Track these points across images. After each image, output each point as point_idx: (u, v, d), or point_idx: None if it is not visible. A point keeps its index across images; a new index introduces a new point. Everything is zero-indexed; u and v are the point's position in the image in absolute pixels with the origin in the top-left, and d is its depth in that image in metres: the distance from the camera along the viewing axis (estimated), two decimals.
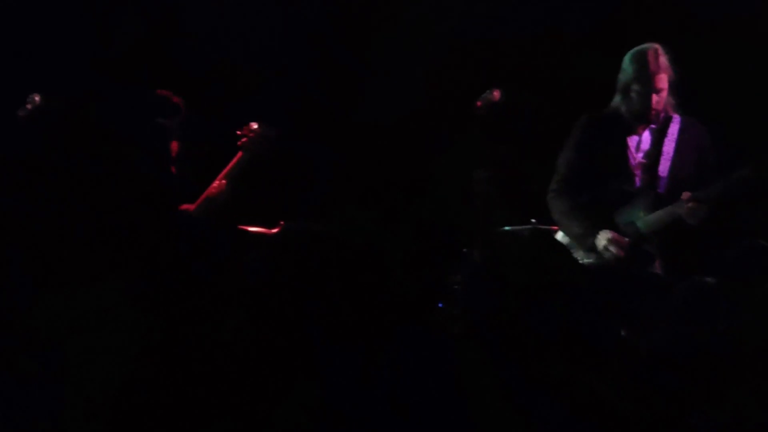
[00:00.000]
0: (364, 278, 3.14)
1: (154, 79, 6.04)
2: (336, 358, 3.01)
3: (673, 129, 5.53)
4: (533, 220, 6.07)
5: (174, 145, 5.71)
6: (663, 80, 5.39)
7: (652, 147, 5.53)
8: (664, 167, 5.51)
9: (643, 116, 5.45)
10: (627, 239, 5.41)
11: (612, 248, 5.36)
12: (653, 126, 5.53)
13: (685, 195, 5.29)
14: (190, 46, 6.29)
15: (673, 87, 5.46)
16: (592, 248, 5.43)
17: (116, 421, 2.86)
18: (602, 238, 5.42)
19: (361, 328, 3.11)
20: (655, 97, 5.39)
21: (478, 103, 5.68)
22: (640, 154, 5.54)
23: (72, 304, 2.95)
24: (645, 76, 5.37)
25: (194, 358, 2.97)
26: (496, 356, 2.90)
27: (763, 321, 2.96)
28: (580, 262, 5.58)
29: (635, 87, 5.40)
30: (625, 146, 5.52)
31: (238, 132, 6.02)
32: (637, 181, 5.51)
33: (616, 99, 5.56)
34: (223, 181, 5.87)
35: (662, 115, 5.51)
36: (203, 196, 5.98)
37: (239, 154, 6.03)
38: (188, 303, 3.13)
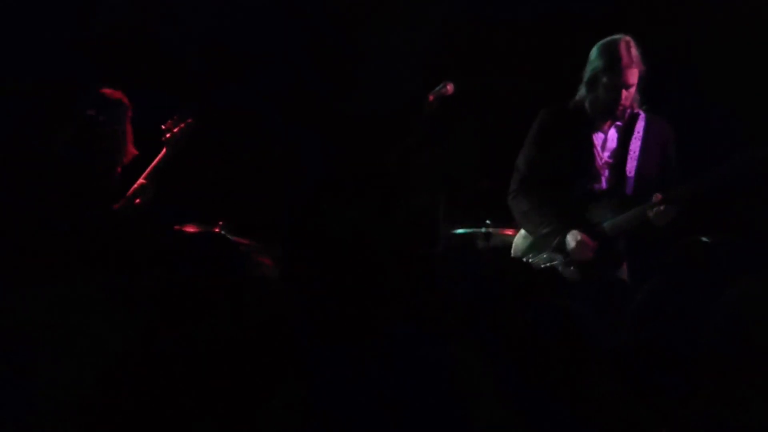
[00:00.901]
0: (353, 274, 3.16)
1: (137, 60, 5.88)
2: (324, 357, 3.04)
3: (640, 126, 5.48)
4: (488, 222, 5.94)
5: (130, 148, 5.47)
6: (634, 75, 5.30)
7: (619, 146, 5.47)
8: (630, 167, 5.45)
9: (610, 112, 5.38)
10: (594, 240, 5.35)
11: (581, 249, 5.28)
12: (619, 123, 5.47)
13: (657, 197, 5.25)
14: (175, 28, 6.14)
15: (641, 82, 5.39)
16: (559, 248, 5.36)
17: (92, 422, 2.84)
18: (571, 239, 5.35)
19: (350, 326, 3.14)
20: (624, 93, 5.30)
21: (431, 97, 5.52)
22: (607, 153, 5.47)
23: (45, 301, 2.90)
24: (616, 69, 5.26)
25: (175, 357, 2.97)
26: (489, 352, 2.95)
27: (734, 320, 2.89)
28: (543, 265, 5.49)
29: (604, 80, 5.29)
30: (591, 144, 5.44)
31: (162, 126, 5.79)
32: (604, 181, 5.45)
33: (581, 92, 5.47)
34: (144, 180, 5.63)
35: (628, 111, 5.44)
36: (127, 194, 5.74)
37: (163, 150, 5.80)
38: (169, 301, 3.12)
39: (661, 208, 5.21)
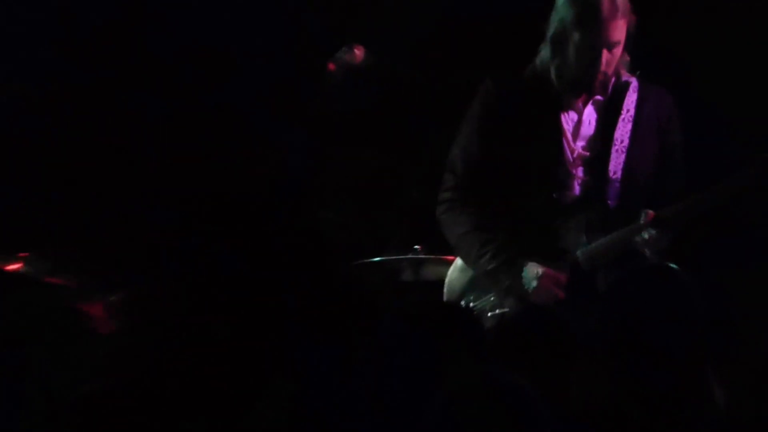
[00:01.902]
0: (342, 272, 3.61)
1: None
2: (314, 354, 3.27)
3: (630, 102, 3.89)
4: (417, 247, 4.35)
5: None
6: (619, 29, 3.73)
7: (598, 131, 3.88)
8: (616, 164, 3.86)
9: (586, 83, 3.80)
10: (564, 275, 3.78)
11: (544, 289, 3.73)
12: (599, 97, 3.88)
13: (648, 216, 3.68)
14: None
15: (630, 39, 3.82)
16: (512, 287, 3.79)
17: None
18: (530, 274, 3.77)
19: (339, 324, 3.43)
20: (606, 54, 3.74)
21: (331, 66, 3.94)
22: (581, 143, 3.89)
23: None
24: (592, 22, 3.70)
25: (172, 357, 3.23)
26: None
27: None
28: (489, 313, 3.93)
29: (576, 37, 3.74)
30: (557, 130, 3.85)
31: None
32: (576, 186, 3.86)
33: (543, 55, 3.90)
34: None
35: (613, 80, 3.87)
36: None
37: None
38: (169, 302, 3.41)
39: (652, 232, 3.69)
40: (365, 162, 4.51)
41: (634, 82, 3.92)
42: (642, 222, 3.72)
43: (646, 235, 3.72)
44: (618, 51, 3.81)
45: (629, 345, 3.12)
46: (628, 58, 3.87)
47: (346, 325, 3.40)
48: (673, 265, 3.68)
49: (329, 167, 4.18)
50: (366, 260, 4.49)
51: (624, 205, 3.84)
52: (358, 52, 3.92)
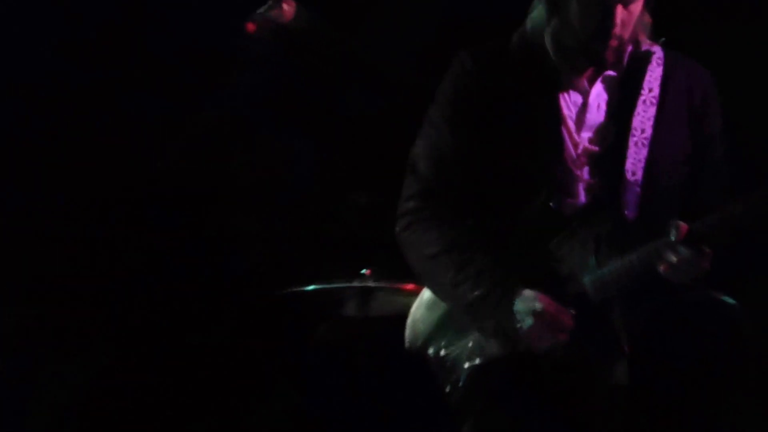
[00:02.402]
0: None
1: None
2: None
3: (653, 78, 3.02)
4: (364, 272, 3.46)
5: None
6: None
7: (610, 118, 3.02)
8: (636, 160, 3.00)
9: (594, 52, 2.94)
10: (568, 309, 2.89)
11: (543, 328, 2.85)
12: (611, 73, 3.03)
13: (681, 230, 2.77)
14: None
15: (651, 3, 2.99)
16: (499, 329, 2.91)
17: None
18: (525, 308, 2.90)
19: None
20: (622, 12, 2.90)
21: (251, 26, 3.02)
22: (587, 134, 3.03)
23: None
24: None
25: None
26: None
27: None
28: (467, 364, 3.06)
29: None
30: (555, 117, 3.00)
31: None
32: (581, 191, 3.00)
33: (534, 16, 3.05)
34: None
35: (630, 49, 3.04)
36: None
37: None
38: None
39: (685, 252, 2.80)
40: (294, 155, 3.62)
41: (658, 52, 3.08)
42: (672, 238, 2.86)
43: (675, 257, 2.86)
44: (637, 8, 2.96)
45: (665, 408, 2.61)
46: (650, 20, 3.03)
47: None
48: (726, 299, 2.90)
49: (245, 161, 3.32)
50: (295, 289, 3.66)
51: (646, 215, 2.99)
52: (288, 7, 3.04)
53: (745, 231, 2.91)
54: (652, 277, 2.94)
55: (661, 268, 2.85)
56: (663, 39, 3.09)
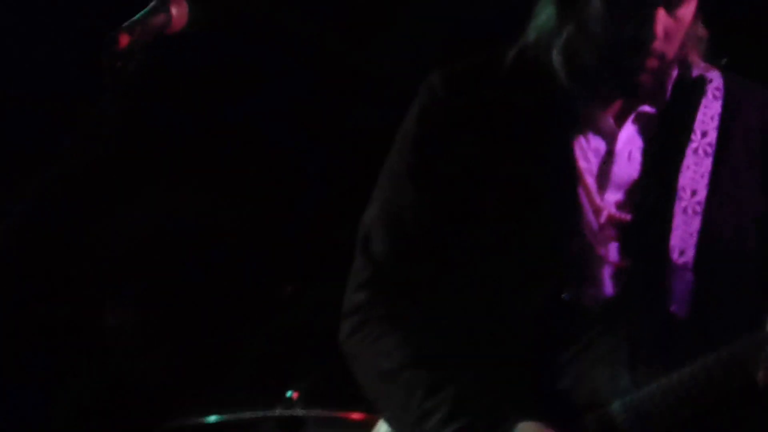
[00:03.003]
0: None
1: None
2: None
3: (708, 115, 2.22)
4: (290, 395, 2.63)
5: None
6: None
7: (646, 174, 2.21)
8: (686, 233, 2.20)
9: (623, 78, 2.15)
10: None
11: None
12: (649, 109, 2.22)
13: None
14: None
15: (707, 9, 2.22)
16: None
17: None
18: None
19: None
20: (665, 20, 2.12)
21: (124, 38, 2.14)
22: (615, 196, 2.20)
23: None
24: None
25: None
26: None
27: None
28: None
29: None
30: (569, 171, 2.18)
31: None
32: (606, 278, 2.17)
33: (539, 24, 2.21)
34: None
35: (675, 75, 2.25)
36: None
37: None
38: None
39: None
40: (181, 209, 2.81)
41: (715, 80, 2.28)
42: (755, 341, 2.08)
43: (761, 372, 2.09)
44: (687, 15, 2.18)
45: None
46: (706, 35, 2.24)
47: None
48: None
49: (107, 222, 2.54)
50: (191, 420, 2.81)
51: (703, 311, 2.18)
52: (177, 11, 2.24)
53: None
54: (722, 403, 2.19)
55: (760, 377, 2.10)
56: (725, 60, 2.31)
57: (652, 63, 2.19)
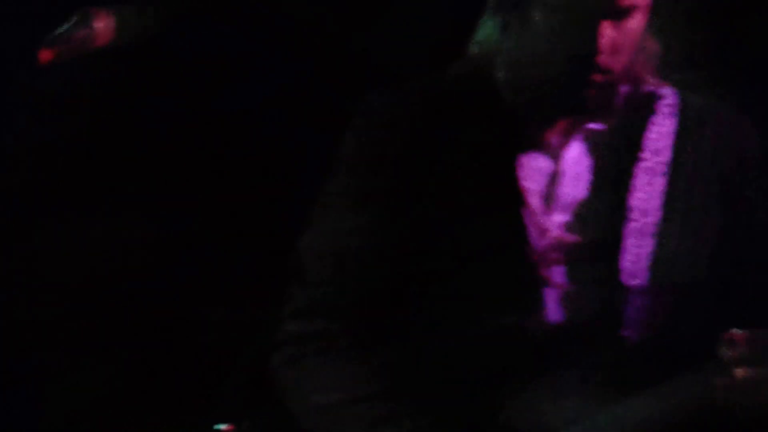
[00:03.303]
0: None
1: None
2: None
3: (661, 133, 2.12)
4: (222, 429, 2.49)
5: None
6: None
7: (595, 194, 2.10)
8: (638, 255, 2.09)
9: (569, 92, 2.04)
10: None
11: None
12: (597, 126, 2.10)
13: (738, 340, 1.89)
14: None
15: (664, 11, 2.11)
16: None
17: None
18: None
19: None
20: (611, 31, 2.00)
21: (45, 53, 2.10)
22: (561, 217, 2.09)
23: None
24: None
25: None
26: None
27: None
28: None
29: (545, 8, 2.02)
30: (513, 191, 2.07)
31: None
32: (553, 303, 2.05)
33: (483, 37, 2.11)
34: None
35: (626, 89, 2.12)
36: None
37: None
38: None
39: (745, 372, 1.93)
40: (112, 237, 2.70)
41: (668, 96, 2.17)
42: (724, 357, 1.98)
43: (732, 385, 2.00)
44: (635, 27, 2.08)
45: None
46: (658, 48, 2.15)
47: None
48: None
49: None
50: None
51: (656, 336, 2.08)
52: (102, 24, 2.12)
53: None
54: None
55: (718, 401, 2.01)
56: (678, 76, 2.21)
57: (598, 78, 2.07)
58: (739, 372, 2.00)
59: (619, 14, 2.07)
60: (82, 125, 2.72)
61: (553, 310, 2.12)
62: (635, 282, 2.13)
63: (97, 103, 2.73)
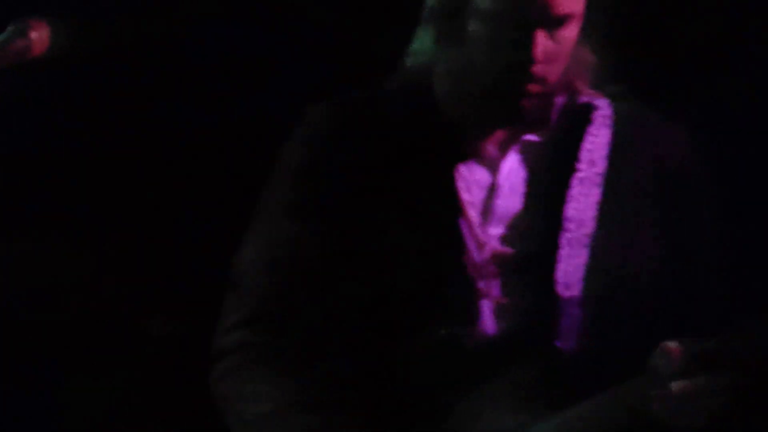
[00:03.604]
0: None
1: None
2: None
3: (596, 144, 2.12)
4: None
5: None
6: (566, 2, 2.02)
7: (530, 206, 2.11)
8: (572, 266, 2.07)
9: (504, 104, 2.06)
10: None
11: None
12: (532, 137, 2.12)
13: (673, 353, 1.86)
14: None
15: (598, 22, 2.10)
16: None
17: None
18: None
19: None
20: (545, 42, 2.01)
21: None
22: (497, 229, 2.11)
23: None
24: None
25: None
26: None
27: None
28: None
29: (483, 5, 2.02)
30: (451, 203, 2.09)
31: None
32: (489, 315, 2.06)
33: (418, 49, 2.13)
34: None
35: (559, 103, 2.15)
36: None
37: None
38: None
39: (680, 384, 1.90)
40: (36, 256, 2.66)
41: (603, 107, 2.16)
42: (658, 369, 2.02)
43: (667, 399, 2.02)
44: (568, 37, 2.08)
45: None
46: (593, 60, 2.15)
47: None
48: None
49: None
50: None
51: (593, 348, 2.08)
52: (38, 34, 2.10)
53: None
54: None
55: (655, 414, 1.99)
56: (614, 87, 2.19)
57: (534, 87, 2.08)
58: (675, 384, 2.03)
59: (553, 23, 2.08)
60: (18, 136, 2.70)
61: (489, 321, 2.12)
62: (570, 293, 2.12)
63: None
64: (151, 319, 2.69)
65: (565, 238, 2.12)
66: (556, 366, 2.11)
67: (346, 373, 2.21)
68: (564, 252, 2.12)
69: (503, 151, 2.15)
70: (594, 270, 2.12)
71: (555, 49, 2.08)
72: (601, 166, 2.17)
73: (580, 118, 2.18)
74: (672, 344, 1.98)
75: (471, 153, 2.15)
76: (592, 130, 2.18)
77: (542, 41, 2.06)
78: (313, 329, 2.21)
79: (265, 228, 2.21)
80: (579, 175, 2.16)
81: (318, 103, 2.28)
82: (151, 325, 2.63)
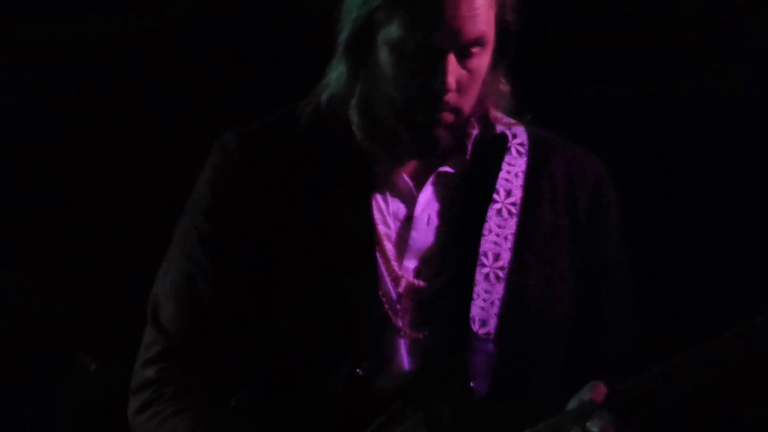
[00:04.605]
0: None
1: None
2: None
3: (512, 174, 2.11)
4: None
5: None
6: (484, 20, 2.00)
7: (444, 239, 2.10)
8: (487, 302, 2.05)
9: (417, 134, 2.03)
10: None
11: None
12: (447, 169, 2.11)
13: (598, 393, 1.93)
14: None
15: (507, 48, 2.08)
16: None
17: None
18: None
19: None
20: (457, 70, 2.00)
21: None
22: (412, 263, 2.09)
23: None
24: (422, 13, 1.98)
25: None
26: None
27: None
28: None
29: (393, 35, 2.00)
30: (366, 236, 2.08)
31: None
32: (404, 351, 2.06)
33: (331, 82, 2.10)
34: None
35: (475, 131, 2.12)
36: None
37: None
38: None
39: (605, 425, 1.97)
40: None
41: (519, 136, 2.17)
42: (584, 407, 1.97)
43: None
44: (481, 65, 2.07)
45: None
46: (507, 88, 2.13)
47: None
48: None
49: None
50: None
51: (507, 386, 2.06)
52: None
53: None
54: None
55: None
56: (529, 116, 2.16)
57: (448, 117, 2.06)
58: (600, 429, 2.01)
59: (464, 49, 2.06)
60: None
61: (404, 359, 2.11)
62: (485, 330, 2.10)
63: None
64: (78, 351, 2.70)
65: (481, 272, 2.11)
66: (470, 406, 2.10)
67: (258, 408, 2.23)
68: (479, 287, 2.10)
69: (419, 182, 2.14)
70: (510, 305, 2.10)
71: (467, 78, 2.06)
72: (517, 195, 2.16)
73: (496, 148, 2.16)
74: (600, 384, 1.99)
75: (386, 184, 2.14)
76: (509, 159, 2.16)
77: (454, 69, 2.04)
78: (226, 362, 2.20)
79: (181, 259, 2.19)
80: (495, 206, 2.14)
81: (228, 129, 2.29)
82: (81, 359, 2.64)
